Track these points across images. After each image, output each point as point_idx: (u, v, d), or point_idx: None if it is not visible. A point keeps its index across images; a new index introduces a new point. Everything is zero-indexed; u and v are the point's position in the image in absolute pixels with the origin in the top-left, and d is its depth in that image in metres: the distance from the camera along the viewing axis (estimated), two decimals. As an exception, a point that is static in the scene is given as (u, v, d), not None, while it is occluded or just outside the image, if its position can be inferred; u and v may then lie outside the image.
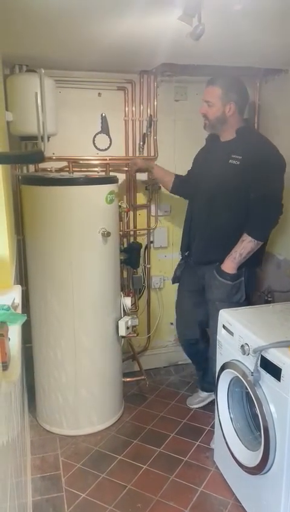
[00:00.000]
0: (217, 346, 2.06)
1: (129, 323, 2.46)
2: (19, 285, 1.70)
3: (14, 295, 1.47)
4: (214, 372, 2.55)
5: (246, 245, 2.13)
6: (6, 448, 1.09)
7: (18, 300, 1.46)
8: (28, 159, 1.48)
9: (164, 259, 3.00)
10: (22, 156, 1.32)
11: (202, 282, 2.36)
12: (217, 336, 2.06)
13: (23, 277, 2.46)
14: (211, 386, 2.60)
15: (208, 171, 2.27)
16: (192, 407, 2.67)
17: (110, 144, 2.73)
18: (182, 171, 2.59)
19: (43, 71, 1.97)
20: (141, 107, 2.74)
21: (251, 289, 2.30)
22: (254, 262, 2.25)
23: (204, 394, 2.69)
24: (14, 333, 1.17)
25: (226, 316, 1.99)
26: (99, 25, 1.68)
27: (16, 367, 1.05)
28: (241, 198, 2.13)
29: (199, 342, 2.55)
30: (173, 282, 2.61)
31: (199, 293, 2.39)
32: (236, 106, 2.16)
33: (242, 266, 2.18)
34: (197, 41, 1.47)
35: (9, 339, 1.09)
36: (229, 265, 2.16)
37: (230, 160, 2.13)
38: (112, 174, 2.66)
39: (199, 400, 2.69)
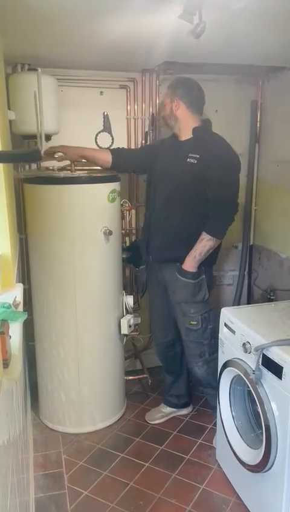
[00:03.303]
0: (219, 344, 2.06)
1: (131, 321, 2.47)
2: (21, 284, 1.71)
3: (16, 293, 1.48)
4: (184, 384, 2.57)
5: (205, 243, 2.14)
6: (8, 445, 1.09)
7: (20, 298, 1.46)
8: (25, 158, 1.48)
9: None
10: (19, 155, 1.33)
11: (164, 283, 2.34)
12: (219, 334, 2.06)
13: (25, 275, 2.46)
14: (176, 400, 2.58)
15: (166, 169, 2.26)
16: (151, 423, 2.52)
17: (112, 143, 2.74)
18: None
19: (39, 70, 1.98)
20: (143, 106, 2.73)
21: (211, 286, 2.31)
22: (211, 261, 2.27)
23: (167, 409, 2.58)
24: (15, 331, 1.18)
25: (227, 315, 1.99)
26: (100, 24, 1.68)
27: (17, 364, 1.06)
28: (198, 197, 2.14)
29: (176, 344, 2.48)
30: (144, 290, 2.59)
31: (166, 294, 2.37)
32: (184, 103, 2.17)
33: (201, 265, 2.19)
34: (198, 39, 1.46)
35: (10, 337, 1.10)
36: (190, 263, 2.17)
37: (188, 159, 2.14)
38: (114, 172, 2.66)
39: (160, 415, 2.56)
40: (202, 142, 2.17)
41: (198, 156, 2.12)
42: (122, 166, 2.43)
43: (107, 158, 2.39)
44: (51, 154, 2.34)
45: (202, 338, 2.25)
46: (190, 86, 2.20)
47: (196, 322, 2.23)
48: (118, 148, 2.52)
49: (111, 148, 2.49)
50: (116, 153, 2.42)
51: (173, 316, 2.42)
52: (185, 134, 2.22)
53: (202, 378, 2.33)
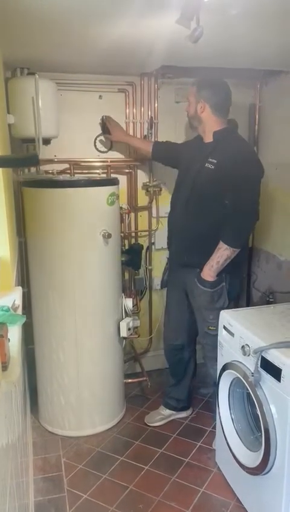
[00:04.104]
0: (218, 347, 2.07)
1: (130, 324, 2.47)
2: (20, 287, 1.71)
3: (15, 297, 1.48)
4: (185, 389, 2.56)
5: (222, 253, 2.09)
6: (7, 448, 1.09)
7: (18, 301, 1.47)
8: (22, 163, 1.49)
9: (166, 261, 3.00)
10: (17, 160, 1.34)
11: (184, 287, 2.33)
12: (218, 337, 2.07)
13: (25, 279, 2.47)
14: (175, 403, 2.57)
15: (187, 171, 2.25)
16: (151, 425, 2.52)
17: (111, 146, 2.75)
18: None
19: (37, 76, 2.00)
20: (142, 109, 2.75)
21: (234, 294, 2.28)
22: (235, 268, 2.21)
23: (166, 412, 2.57)
24: (14, 334, 1.18)
25: (226, 317, 1.99)
26: (98, 28, 1.70)
27: (16, 367, 1.06)
28: (215, 204, 2.10)
29: (184, 349, 2.47)
30: (162, 287, 2.61)
31: (186, 298, 2.36)
32: (209, 105, 2.14)
33: (222, 272, 2.15)
34: (196, 43, 1.47)
35: (9, 340, 1.10)
36: (207, 273, 2.13)
37: (206, 164, 2.11)
38: (113, 176, 2.68)
39: (160, 417, 2.55)
40: (222, 147, 2.12)
41: (216, 162, 2.08)
42: (159, 159, 2.60)
43: (148, 149, 2.55)
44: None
45: None
46: (217, 88, 2.16)
47: (214, 328, 2.19)
48: (161, 142, 2.62)
49: (156, 140, 2.66)
50: (157, 146, 2.55)
51: (187, 321, 2.40)
52: (208, 137, 2.20)
53: (215, 380, 2.32)
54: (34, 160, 1.27)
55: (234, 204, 2.07)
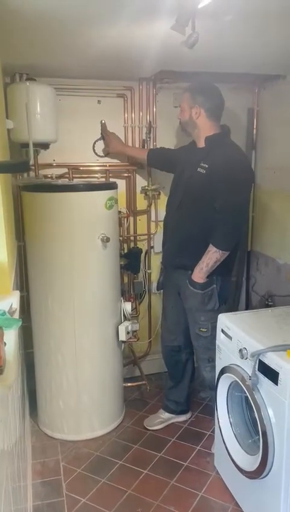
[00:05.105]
0: (217, 350, 2.07)
1: (129, 328, 2.47)
2: (18, 291, 1.72)
3: (12, 300, 1.49)
4: (184, 391, 2.57)
5: (211, 255, 2.12)
6: (2, 452, 1.10)
7: (16, 305, 1.47)
8: (11, 169, 1.49)
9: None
10: (6, 166, 1.34)
11: (178, 289, 2.35)
12: (216, 340, 2.07)
13: (24, 283, 2.48)
14: (174, 406, 2.57)
15: (181, 175, 2.30)
16: (150, 429, 2.51)
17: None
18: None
19: (28, 83, 2.02)
20: (140, 114, 2.76)
21: (224, 296, 2.29)
22: (225, 271, 2.23)
23: (166, 415, 2.57)
24: (10, 338, 1.18)
25: (224, 320, 1.99)
26: (95, 33, 1.71)
27: (12, 371, 1.06)
28: (206, 208, 2.13)
29: (181, 351, 2.49)
30: (158, 289, 2.64)
31: (181, 299, 2.36)
32: (203, 110, 2.17)
33: (213, 274, 2.18)
34: (192, 49, 1.49)
35: (5, 344, 1.11)
36: (197, 275, 2.17)
37: (198, 169, 2.14)
38: (111, 180, 2.69)
39: (159, 421, 2.55)
40: (214, 152, 2.15)
41: (207, 166, 2.12)
42: (155, 165, 2.67)
43: (144, 156, 2.63)
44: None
45: (211, 344, 2.23)
46: (211, 93, 2.19)
47: (205, 329, 2.22)
48: (155, 149, 2.69)
49: (150, 148, 2.70)
50: (152, 154, 2.61)
51: (183, 322, 2.41)
52: (202, 142, 2.23)
53: (209, 382, 2.32)
54: (24, 166, 1.28)
55: (222, 208, 2.09)
